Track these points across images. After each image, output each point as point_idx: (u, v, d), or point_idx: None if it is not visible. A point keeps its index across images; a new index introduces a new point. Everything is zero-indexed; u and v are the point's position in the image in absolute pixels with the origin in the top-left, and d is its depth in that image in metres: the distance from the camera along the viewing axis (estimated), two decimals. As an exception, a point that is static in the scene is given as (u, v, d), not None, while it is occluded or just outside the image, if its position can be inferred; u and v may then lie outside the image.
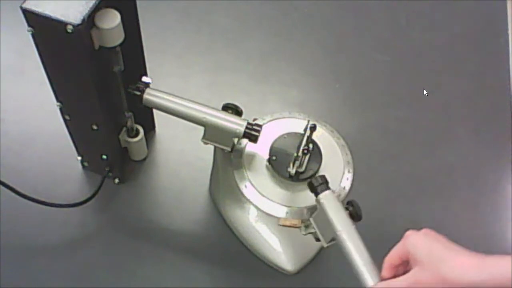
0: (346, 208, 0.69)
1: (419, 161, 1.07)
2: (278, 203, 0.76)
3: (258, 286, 0.89)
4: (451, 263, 0.55)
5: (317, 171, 0.77)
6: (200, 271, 0.90)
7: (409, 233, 0.61)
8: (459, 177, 1.05)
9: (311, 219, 0.73)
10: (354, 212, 0.69)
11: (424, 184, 1.04)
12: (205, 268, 0.90)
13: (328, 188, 0.70)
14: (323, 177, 0.71)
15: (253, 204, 0.77)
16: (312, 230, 0.73)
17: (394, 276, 0.62)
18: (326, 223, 0.69)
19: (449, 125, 1.12)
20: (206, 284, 0.89)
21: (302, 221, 0.75)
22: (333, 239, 0.69)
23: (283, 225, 0.76)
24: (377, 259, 0.96)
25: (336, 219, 0.68)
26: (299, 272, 0.90)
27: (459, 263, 0.55)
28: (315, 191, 0.71)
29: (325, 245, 0.71)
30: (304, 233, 0.75)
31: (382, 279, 0.62)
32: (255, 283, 0.90)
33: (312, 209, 0.74)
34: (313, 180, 0.71)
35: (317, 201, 0.70)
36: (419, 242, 0.59)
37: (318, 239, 0.74)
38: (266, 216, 0.76)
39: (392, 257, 0.62)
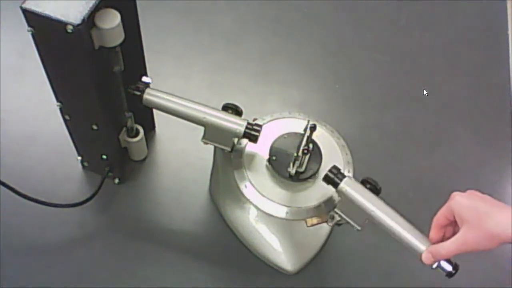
0: (369, 186, 0.71)
1: (419, 161, 1.07)
2: (278, 203, 0.76)
3: (258, 286, 0.89)
4: (496, 218, 0.57)
5: (317, 171, 0.77)
6: (200, 271, 0.90)
7: (454, 194, 0.62)
8: (459, 177, 1.05)
9: (336, 210, 0.73)
10: (373, 188, 0.70)
11: (424, 184, 1.04)
12: (205, 268, 0.90)
13: (344, 176, 0.71)
14: (335, 167, 0.72)
15: (253, 204, 0.77)
16: (338, 219, 0.74)
17: (443, 237, 0.63)
18: (354, 209, 0.70)
19: (449, 125, 1.12)
20: (207, 284, 0.89)
21: (327, 214, 0.76)
22: (366, 220, 0.70)
23: (312, 225, 0.77)
24: (380, 258, 0.96)
25: (364, 201, 0.69)
26: (299, 272, 0.90)
27: (504, 218, 0.57)
28: (334, 183, 0.71)
29: (359, 228, 0.72)
30: (331, 224, 0.76)
31: (432, 241, 0.64)
32: (255, 283, 0.90)
33: (328, 202, 0.75)
34: (329, 173, 0.71)
35: (339, 191, 0.71)
36: (464, 202, 0.60)
37: (338, 225, 0.75)
38: (266, 216, 0.76)
39: (439, 218, 0.63)
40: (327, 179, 0.72)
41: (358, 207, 0.69)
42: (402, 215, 0.68)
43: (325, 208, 0.76)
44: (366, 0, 1.29)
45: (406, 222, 0.67)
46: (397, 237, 0.67)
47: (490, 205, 0.59)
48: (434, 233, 0.64)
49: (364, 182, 0.71)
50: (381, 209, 0.68)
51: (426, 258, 0.64)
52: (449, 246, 0.61)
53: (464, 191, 0.63)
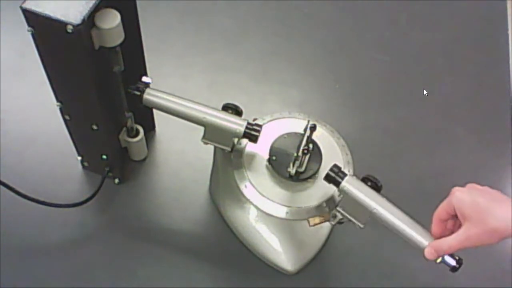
0: (370, 184, 0.71)
1: (419, 161, 1.07)
2: (278, 203, 0.76)
3: (258, 286, 0.89)
4: (496, 214, 0.59)
5: (317, 171, 0.77)
6: (200, 271, 0.90)
7: (454, 189, 0.64)
8: (459, 177, 1.05)
9: (338, 209, 0.73)
10: (375, 185, 0.71)
11: (424, 184, 1.04)
12: (205, 268, 0.90)
13: (345, 174, 0.71)
14: (336, 166, 0.72)
15: (253, 204, 0.77)
16: (341, 217, 0.75)
17: (445, 230, 0.65)
18: (356, 207, 0.70)
19: (449, 125, 1.12)
20: (206, 284, 0.89)
21: (329, 213, 0.76)
22: (368, 218, 0.71)
23: (314, 225, 0.77)
24: (380, 258, 0.96)
25: (366, 199, 0.69)
26: (299, 272, 0.90)
27: (504, 213, 0.58)
28: (336, 181, 0.71)
29: (362, 226, 0.73)
30: (333, 223, 0.76)
31: (434, 235, 0.66)
32: (255, 283, 0.90)
33: (329, 201, 0.75)
34: (330, 173, 0.71)
35: (341, 189, 0.71)
36: (464, 198, 0.62)
37: (339, 223, 0.75)
38: (266, 216, 0.76)
39: (440, 213, 0.65)
40: (328, 178, 0.72)
41: (360, 205, 0.70)
42: (404, 211, 0.69)
43: (327, 207, 0.76)
44: (366, 0, 1.30)
45: (408, 218, 0.68)
46: (400, 233, 0.68)
47: (490, 200, 0.60)
48: (435, 227, 0.66)
49: (365, 180, 0.72)
50: (384, 206, 0.69)
51: (428, 253, 0.65)
52: (451, 242, 0.63)
53: (464, 185, 0.64)
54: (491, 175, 1.06)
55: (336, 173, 0.71)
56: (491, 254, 0.96)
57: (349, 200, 0.71)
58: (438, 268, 0.94)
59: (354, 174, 0.78)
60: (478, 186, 0.64)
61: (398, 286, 0.91)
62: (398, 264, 0.94)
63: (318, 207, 0.76)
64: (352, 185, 0.70)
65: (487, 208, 0.59)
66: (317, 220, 0.76)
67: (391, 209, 0.69)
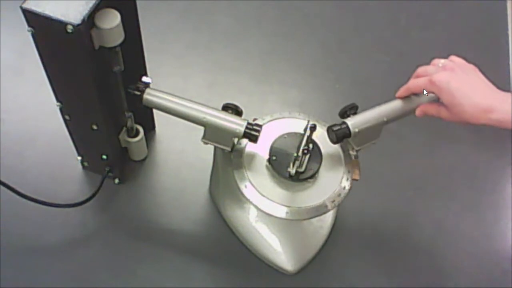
0: (353, 113, 0.77)
1: (419, 161, 1.06)
2: (278, 203, 0.76)
3: (258, 286, 0.89)
4: (467, 110, 0.68)
5: (317, 171, 0.77)
6: (200, 271, 0.90)
7: (435, 76, 0.71)
8: (459, 177, 1.05)
9: (357, 148, 0.78)
10: (356, 109, 0.77)
11: (424, 184, 1.04)
12: (205, 268, 0.90)
13: (344, 123, 0.75)
14: (332, 126, 0.76)
15: (253, 204, 0.76)
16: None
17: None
18: (369, 132, 0.76)
19: (449, 125, 1.11)
20: (206, 284, 0.89)
21: (354, 158, 0.79)
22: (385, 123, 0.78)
23: (359, 175, 0.79)
24: (380, 258, 0.96)
25: (374, 122, 0.76)
26: (299, 272, 0.90)
27: (475, 109, 0.68)
28: (346, 135, 0.75)
29: (378, 139, 0.79)
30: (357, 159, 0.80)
31: (397, 96, 0.78)
32: (255, 283, 0.90)
33: (348, 161, 0.79)
34: (337, 132, 0.75)
35: (354, 134, 0.75)
36: (442, 87, 0.70)
37: None
38: (266, 216, 0.76)
39: (416, 88, 0.76)
40: (340, 138, 0.75)
41: (371, 129, 0.75)
42: (391, 100, 0.79)
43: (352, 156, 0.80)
44: (366, 0, 1.30)
45: (400, 100, 0.78)
46: (406, 114, 0.78)
47: (463, 98, 0.69)
48: (402, 93, 0.78)
49: (347, 113, 0.77)
50: (385, 110, 0.77)
51: (419, 113, 0.77)
52: (433, 111, 0.75)
53: (446, 57, 0.77)
54: (491, 175, 1.06)
55: (340, 129, 0.75)
56: (491, 254, 0.96)
57: (362, 134, 0.75)
58: (438, 268, 0.94)
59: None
60: (460, 64, 0.75)
61: (398, 286, 0.91)
62: (398, 264, 0.94)
63: (318, 207, 0.76)
64: (358, 124, 0.75)
65: (460, 104, 0.68)
66: (357, 172, 0.79)
67: (389, 107, 0.77)
